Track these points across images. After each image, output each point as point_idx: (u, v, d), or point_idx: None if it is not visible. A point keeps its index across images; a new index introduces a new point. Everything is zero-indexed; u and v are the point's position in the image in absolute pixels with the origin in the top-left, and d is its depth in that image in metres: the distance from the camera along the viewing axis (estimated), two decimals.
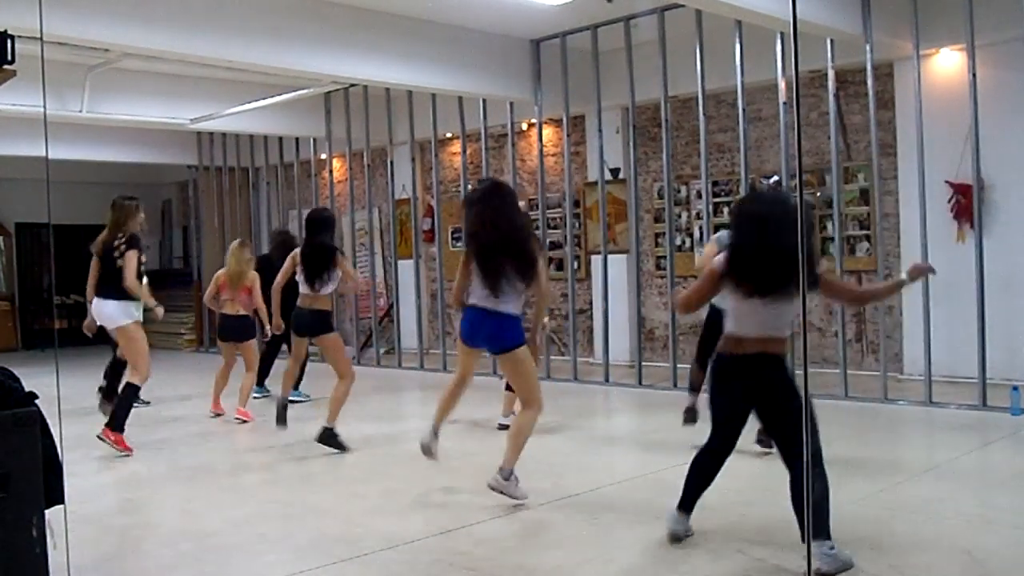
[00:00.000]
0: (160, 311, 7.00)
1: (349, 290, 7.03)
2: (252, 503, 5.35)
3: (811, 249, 3.98)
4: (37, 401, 3.30)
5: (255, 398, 8.75)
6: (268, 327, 8.08)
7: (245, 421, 7.87)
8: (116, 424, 6.54)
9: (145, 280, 6.96)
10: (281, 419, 6.73)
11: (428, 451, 5.23)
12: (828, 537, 3.72)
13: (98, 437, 6.51)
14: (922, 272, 4.10)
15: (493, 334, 4.96)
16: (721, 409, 4.16)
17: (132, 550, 4.57)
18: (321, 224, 6.72)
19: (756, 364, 3.98)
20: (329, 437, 6.38)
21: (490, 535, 4.50)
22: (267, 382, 9.37)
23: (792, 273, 3.68)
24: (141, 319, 6.69)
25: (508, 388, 6.84)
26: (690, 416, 6.24)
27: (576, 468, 5.89)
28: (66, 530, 3.33)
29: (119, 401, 6.68)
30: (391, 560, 4.13)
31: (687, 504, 4.19)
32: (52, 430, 3.34)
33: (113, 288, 6.57)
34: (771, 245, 3.85)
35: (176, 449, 6.91)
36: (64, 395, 8.04)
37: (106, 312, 6.66)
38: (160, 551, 4.43)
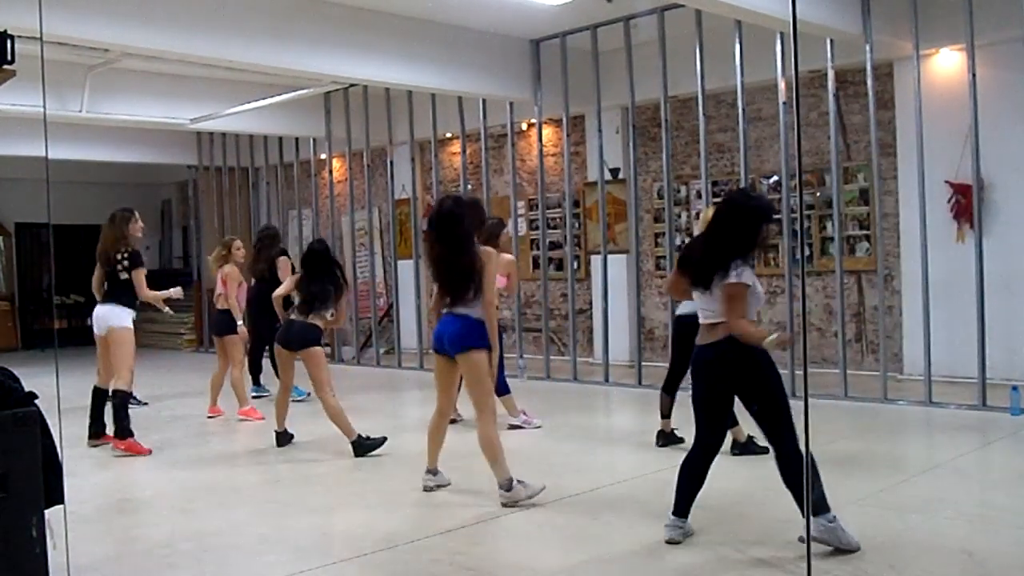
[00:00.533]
0: (176, 291, 7.24)
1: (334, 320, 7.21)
2: (252, 503, 5.35)
3: (720, 249, 4.08)
4: (37, 401, 3.31)
5: (254, 397, 8.75)
6: (240, 325, 8.13)
7: (250, 420, 7.87)
8: (122, 432, 6.60)
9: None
10: (281, 443, 6.78)
11: (432, 489, 5.31)
12: (827, 511, 3.89)
13: (113, 452, 6.60)
14: (784, 344, 4.11)
15: (454, 334, 5.03)
16: (705, 402, 4.21)
17: (132, 550, 4.56)
18: (320, 258, 6.75)
19: (726, 348, 4.06)
20: (363, 446, 6.35)
21: (490, 535, 4.50)
22: (262, 380, 9.35)
23: (712, 269, 4.07)
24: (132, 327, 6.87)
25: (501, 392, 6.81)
26: (663, 439, 6.29)
27: (576, 468, 5.89)
28: (66, 530, 3.33)
29: (115, 412, 6.68)
30: (391, 560, 4.13)
31: (682, 507, 4.19)
32: (52, 430, 3.34)
33: (115, 297, 6.80)
34: (704, 241, 4.27)
35: (176, 449, 6.90)
36: (64, 395, 8.00)
37: (102, 314, 6.82)
38: (160, 551, 4.42)
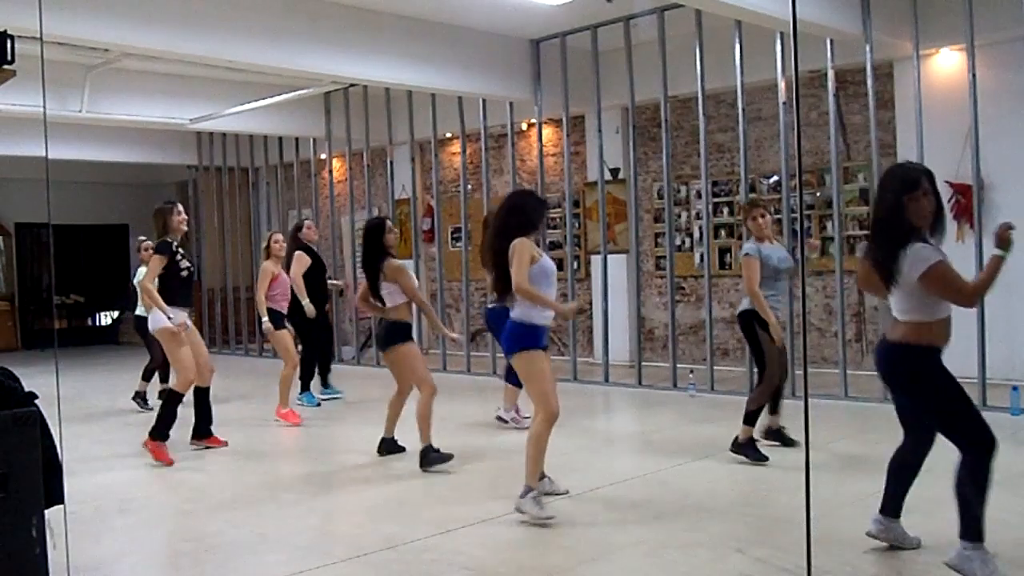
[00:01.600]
0: (181, 322, 6.62)
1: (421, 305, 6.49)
2: (252, 503, 5.34)
3: (889, 237, 3.69)
4: (37, 401, 3.31)
5: (300, 404, 8.55)
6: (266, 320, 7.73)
7: (285, 423, 7.59)
8: (156, 433, 6.36)
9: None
10: (382, 451, 6.37)
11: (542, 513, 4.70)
12: (971, 539, 3.66)
13: (143, 446, 6.43)
14: (1007, 230, 3.70)
15: (504, 336, 4.87)
16: (897, 403, 3.97)
17: (132, 550, 4.56)
18: (364, 236, 6.34)
19: (900, 351, 3.80)
20: (429, 458, 5.88)
21: (490, 535, 4.50)
22: (332, 381, 9.11)
23: (888, 262, 3.60)
24: (186, 323, 6.47)
25: (510, 381, 6.81)
26: (771, 436, 5.91)
27: (576, 468, 5.88)
28: (66, 530, 3.33)
29: (160, 409, 6.49)
30: (391, 560, 4.13)
31: (889, 507, 3.97)
32: (52, 430, 3.34)
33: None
34: (881, 222, 3.76)
35: (176, 450, 6.88)
36: (64, 395, 8.05)
37: (149, 317, 6.57)
38: (160, 551, 4.43)
